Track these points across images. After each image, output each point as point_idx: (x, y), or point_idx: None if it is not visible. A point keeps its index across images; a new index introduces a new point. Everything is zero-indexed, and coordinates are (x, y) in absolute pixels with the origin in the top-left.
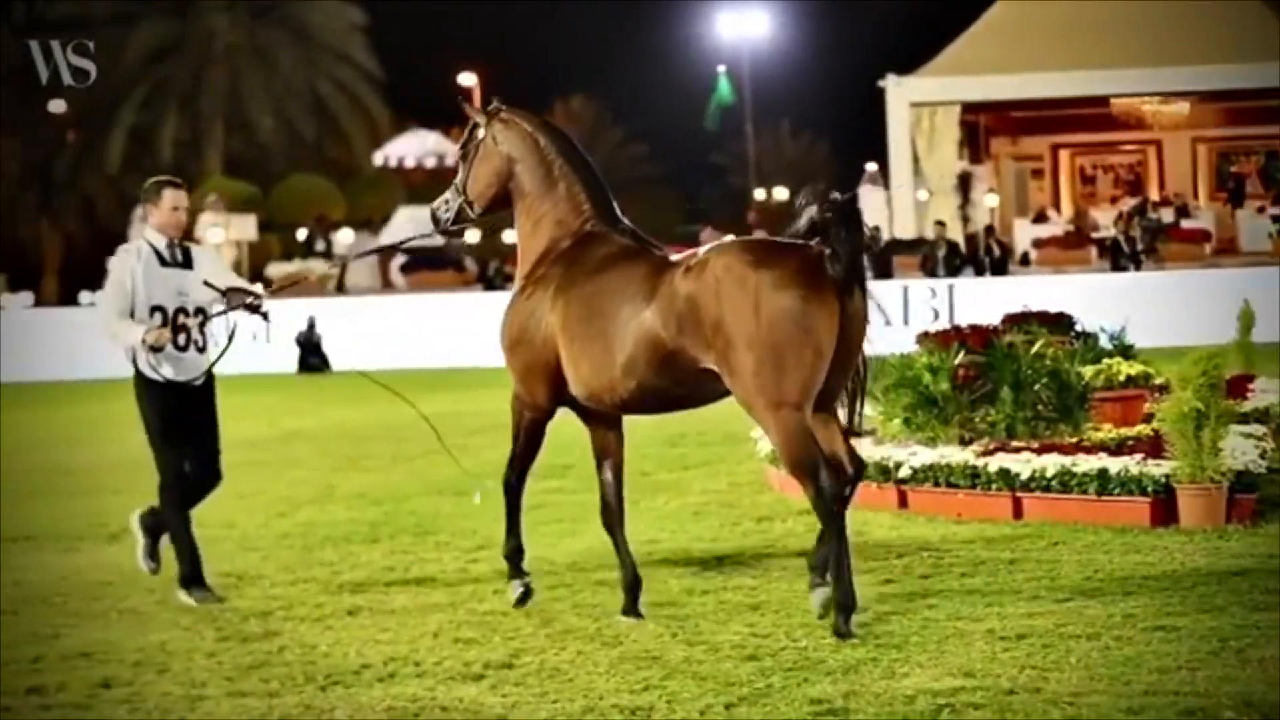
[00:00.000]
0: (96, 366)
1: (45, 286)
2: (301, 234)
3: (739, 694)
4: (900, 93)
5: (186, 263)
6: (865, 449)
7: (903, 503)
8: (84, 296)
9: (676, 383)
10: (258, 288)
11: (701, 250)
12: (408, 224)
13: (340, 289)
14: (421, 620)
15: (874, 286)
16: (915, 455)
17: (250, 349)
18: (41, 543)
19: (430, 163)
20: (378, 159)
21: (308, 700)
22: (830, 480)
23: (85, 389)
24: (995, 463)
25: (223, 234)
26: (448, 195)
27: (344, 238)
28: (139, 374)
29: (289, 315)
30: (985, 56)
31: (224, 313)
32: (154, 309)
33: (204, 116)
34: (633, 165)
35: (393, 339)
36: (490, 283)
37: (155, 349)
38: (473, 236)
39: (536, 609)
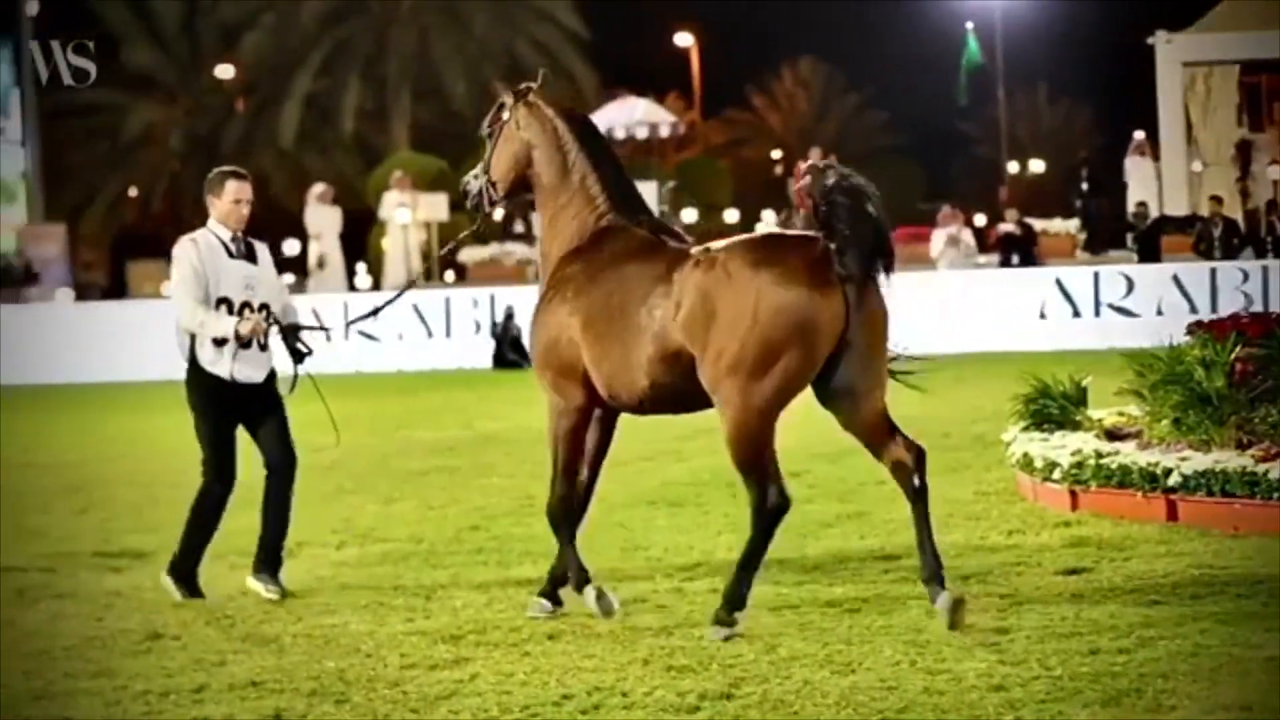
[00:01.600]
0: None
1: None
2: (498, 214)
3: None
4: (1171, 52)
5: (251, 257)
6: (1130, 454)
7: (1172, 514)
8: None
9: (693, 382)
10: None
11: (715, 245)
12: None
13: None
14: (630, 646)
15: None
16: (1186, 460)
17: (444, 342)
18: (205, 559)
19: (641, 133)
20: None
21: None
22: (776, 496)
23: None
24: (1277, 469)
25: (410, 215)
26: (476, 171)
27: None
28: (197, 369)
29: (486, 305)
30: (1269, 9)
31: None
32: (220, 300)
33: (389, 83)
34: (869, 135)
35: None
36: None
37: (244, 344)
38: (689, 216)
39: (759, 634)
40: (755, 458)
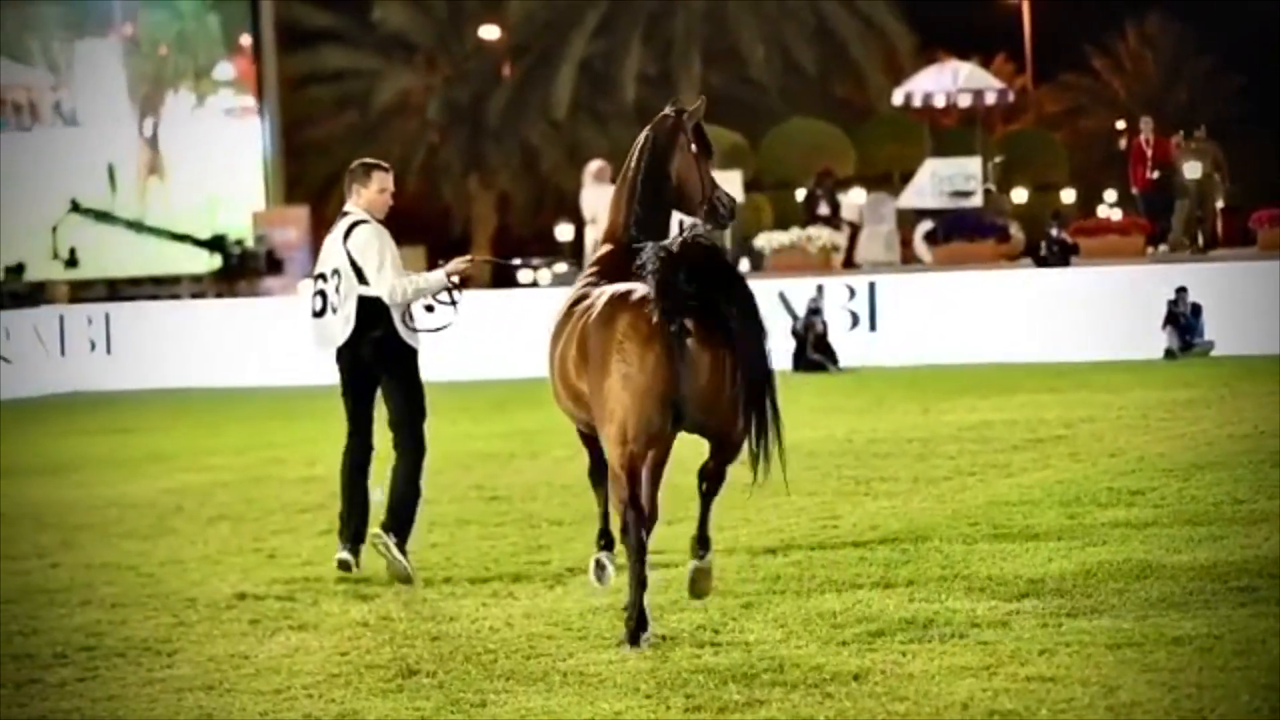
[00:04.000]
0: (538, 364)
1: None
2: (800, 194)
3: None
4: None
5: None
6: None
7: None
8: (524, 275)
9: None
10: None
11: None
12: (933, 182)
13: (848, 264)
14: (948, 686)
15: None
16: None
17: None
18: (465, 585)
19: (963, 101)
20: (898, 97)
21: None
22: (634, 524)
23: (520, 390)
24: None
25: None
26: None
27: (855, 198)
28: (407, 346)
29: (786, 297)
30: None
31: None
32: None
33: (676, 46)
34: (1225, 102)
35: (913, 328)
36: (1041, 257)
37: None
38: (1019, 195)
39: (1095, 677)
40: (619, 494)
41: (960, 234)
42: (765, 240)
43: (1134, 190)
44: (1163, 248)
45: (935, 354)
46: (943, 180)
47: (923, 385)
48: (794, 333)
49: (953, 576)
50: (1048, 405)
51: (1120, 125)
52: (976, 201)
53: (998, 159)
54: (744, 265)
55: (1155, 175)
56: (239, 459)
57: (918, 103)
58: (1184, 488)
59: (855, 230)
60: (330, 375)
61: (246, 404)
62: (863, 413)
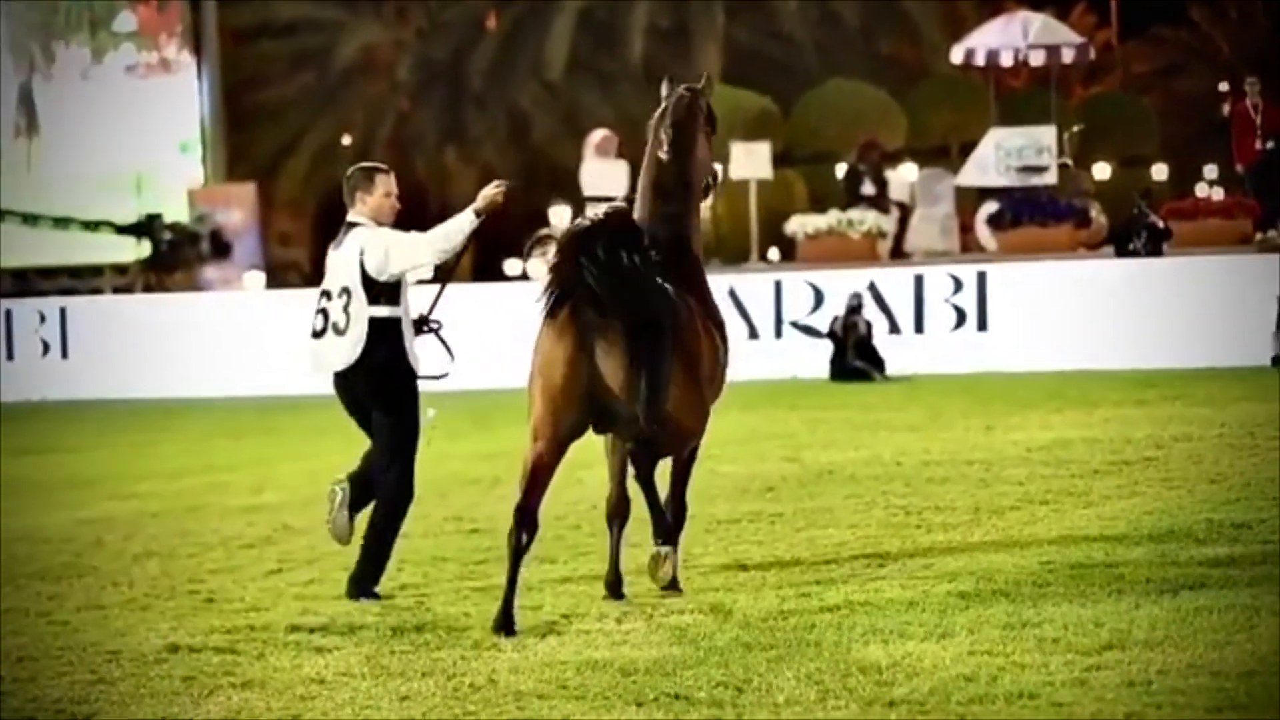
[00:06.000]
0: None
1: None
2: (840, 170)
3: None
4: None
5: None
6: None
7: None
8: (512, 266)
9: None
10: None
11: None
12: (998, 156)
13: (897, 253)
14: None
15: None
16: None
17: (769, 344)
18: (440, 635)
19: (1035, 59)
20: (957, 55)
21: None
22: (522, 530)
23: (505, 402)
24: None
25: (719, 169)
26: None
27: (905, 175)
28: (411, 374)
29: (814, 293)
30: None
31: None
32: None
33: None
34: None
35: (973, 329)
36: (1123, 245)
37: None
38: (1101, 171)
39: None
40: (522, 472)
41: (1031, 217)
42: (798, 224)
43: (1238, 165)
44: (1272, 233)
45: (1000, 359)
46: (1010, 154)
47: (985, 396)
48: (831, 335)
49: (1021, 625)
50: (1135, 421)
51: (1223, 88)
52: (1050, 179)
53: (1076, 128)
54: (773, 253)
55: (1266, 147)
56: (172, 484)
57: (980, 61)
58: None
59: (905, 213)
60: (283, 387)
61: (183, 419)
62: (914, 430)
